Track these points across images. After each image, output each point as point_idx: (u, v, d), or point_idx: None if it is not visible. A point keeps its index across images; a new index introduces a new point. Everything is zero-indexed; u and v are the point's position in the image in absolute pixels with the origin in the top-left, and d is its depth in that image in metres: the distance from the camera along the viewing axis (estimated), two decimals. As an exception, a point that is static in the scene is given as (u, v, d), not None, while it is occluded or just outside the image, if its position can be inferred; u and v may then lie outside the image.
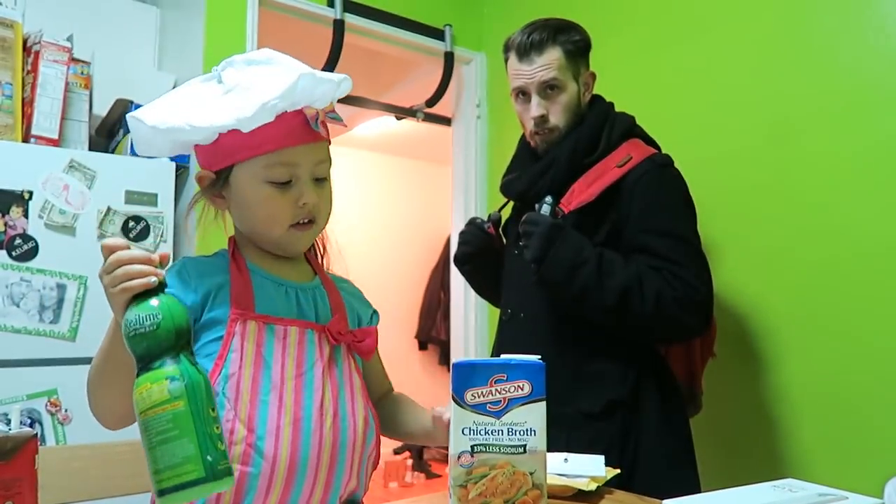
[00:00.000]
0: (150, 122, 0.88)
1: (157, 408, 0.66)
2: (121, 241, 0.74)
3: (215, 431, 0.67)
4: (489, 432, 0.81)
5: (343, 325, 0.94)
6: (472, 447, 0.81)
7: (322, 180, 0.95)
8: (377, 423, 0.96)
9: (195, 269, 0.92)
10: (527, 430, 0.80)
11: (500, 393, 0.81)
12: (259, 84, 0.88)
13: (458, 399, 0.81)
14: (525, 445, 0.80)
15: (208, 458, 0.66)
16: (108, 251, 0.73)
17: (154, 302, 0.71)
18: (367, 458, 0.94)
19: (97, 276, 0.75)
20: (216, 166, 0.92)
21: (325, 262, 1.08)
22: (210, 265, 0.94)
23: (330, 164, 0.97)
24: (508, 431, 0.80)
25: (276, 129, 0.88)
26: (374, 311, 1.08)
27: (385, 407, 1.05)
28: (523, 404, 0.81)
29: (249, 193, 0.91)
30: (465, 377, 0.82)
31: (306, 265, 1.03)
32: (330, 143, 0.98)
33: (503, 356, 0.84)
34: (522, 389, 0.81)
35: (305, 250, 1.01)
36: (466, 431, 0.81)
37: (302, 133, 0.90)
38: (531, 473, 0.80)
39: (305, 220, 0.93)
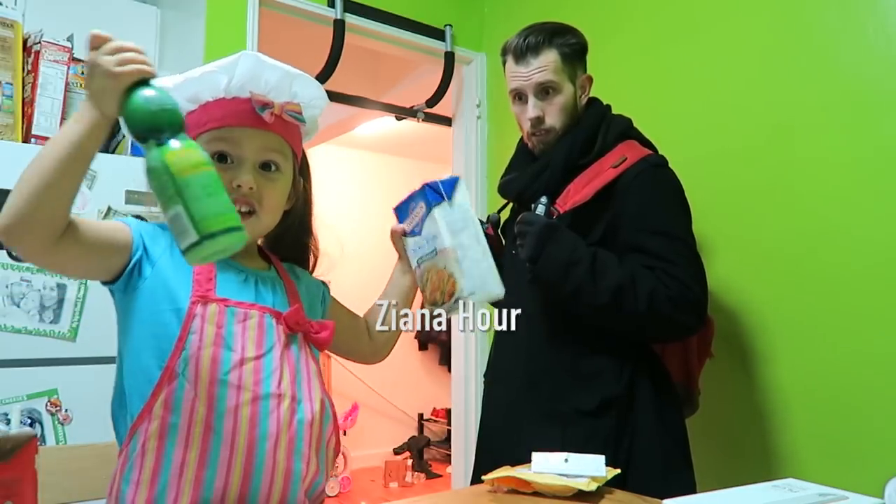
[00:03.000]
0: None
1: (201, 167, 0.73)
2: (107, 34, 0.76)
3: None
4: (419, 248, 1.07)
5: (301, 316, 0.95)
6: (417, 261, 1.09)
7: (271, 171, 0.95)
8: (333, 409, 0.97)
9: (149, 232, 0.92)
10: (433, 236, 1.03)
11: (415, 217, 1.07)
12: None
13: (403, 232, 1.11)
14: (435, 248, 1.02)
15: (236, 212, 0.76)
16: (100, 40, 0.75)
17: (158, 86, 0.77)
18: (325, 444, 0.94)
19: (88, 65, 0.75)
20: None
21: (313, 267, 1.10)
22: (166, 235, 0.92)
23: (286, 158, 0.97)
24: (427, 242, 1.04)
25: (221, 110, 0.93)
26: (326, 288, 1.10)
27: (370, 317, 1.16)
28: (426, 220, 1.04)
29: None
30: (401, 213, 1.12)
31: (261, 257, 1.03)
32: (293, 144, 0.99)
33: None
34: (422, 208, 1.04)
35: (244, 244, 0.97)
36: (410, 252, 1.11)
37: (246, 116, 0.92)
38: (444, 267, 1.01)
39: (243, 209, 0.91)
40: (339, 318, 1.08)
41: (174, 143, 0.73)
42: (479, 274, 1.00)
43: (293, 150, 0.99)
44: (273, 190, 0.95)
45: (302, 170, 1.05)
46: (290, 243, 1.07)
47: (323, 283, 1.11)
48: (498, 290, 1.01)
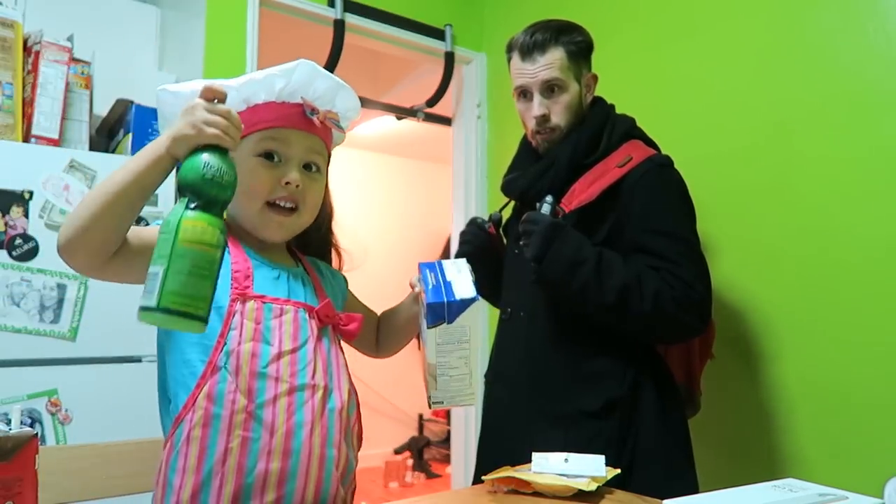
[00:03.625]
0: (172, 89, 0.97)
1: (205, 245, 0.73)
2: (224, 90, 0.83)
3: None
4: (420, 324, 1.03)
5: (331, 309, 1.01)
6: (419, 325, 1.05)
7: (314, 172, 1.02)
8: (357, 397, 1.03)
9: None
10: (424, 340, 1.00)
11: (421, 296, 1.02)
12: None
13: None
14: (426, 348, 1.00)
15: (210, 305, 0.75)
16: (211, 93, 0.81)
17: (231, 160, 0.79)
18: (351, 429, 1.00)
19: (186, 110, 0.80)
20: None
21: (340, 265, 1.17)
22: None
23: (325, 160, 1.04)
24: (422, 335, 1.02)
25: (274, 112, 0.98)
26: (344, 278, 1.17)
27: (382, 320, 1.20)
28: (422, 320, 1.01)
29: (240, 166, 0.95)
30: (421, 274, 1.05)
31: (290, 255, 1.09)
32: (329, 148, 1.06)
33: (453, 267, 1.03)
34: (423, 307, 1.00)
35: (283, 240, 1.05)
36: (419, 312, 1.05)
37: (297, 119, 0.99)
38: (425, 368, 1.01)
39: (287, 205, 0.98)
40: (357, 310, 1.13)
41: (199, 214, 0.74)
42: (454, 388, 1.01)
43: (329, 154, 1.07)
44: (314, 189, 1.02)
45: None
46: (317, 241, 1.14)
47: (343, 277, 1.17)
48: (469, 401, 1.03)
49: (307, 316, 0.97)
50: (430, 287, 0.99)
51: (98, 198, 0.81)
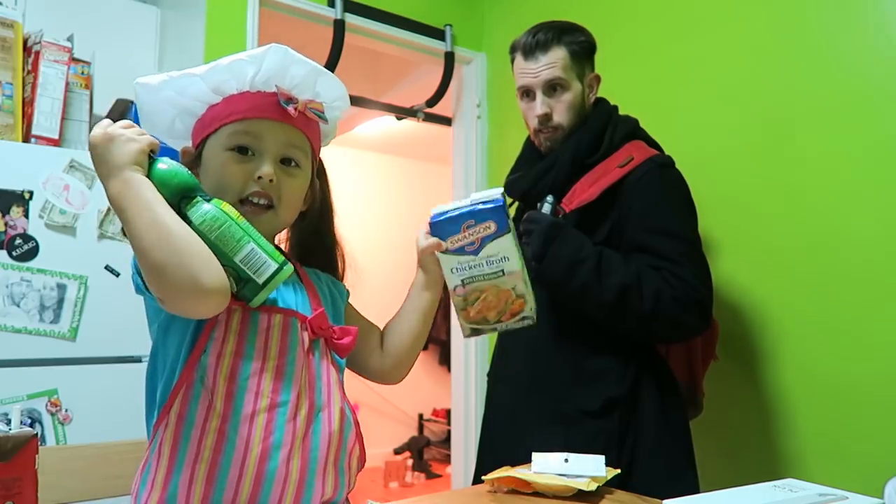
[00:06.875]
0: (143, 81, 0.93)
1: (226, 223, 0.81)
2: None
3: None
4: (472, 267, 1.02)
5: (325, 321, 0.92)
6: (462, 280, 1.04)
7: (291, 167, 0.93)
8: (355, 416, 0.94)
9: None
10: (501, 258, 1.02)
11: (472, 235, 1.01)
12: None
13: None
14: (503, 270, 1.02)
15: (276, 252, 0.84)
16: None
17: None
18: (346, 453, 0.91)
19: (95, 147, 0.81)
20: (196, 141, 0.94)
21: (344, 277, 1.08)
22: None
23: (305, 156, 0.95)
24: (487, 263, 1.02)
25: (246, 102, 0.91)
26: (346, 290, 1.07)
27: (386, 333, 1.08)
28: (493, 240, 1.01)
29: (211, 161, 0.92)
30: (443, 229, 1.03)
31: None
32: (313, 143, 0.97)
33: (471, 199, 1.03)
34: (490, 229, 1.00)
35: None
36: (454, 271, 1.03)
37: (270, 109, 0.91)
38: (513, 288, 1.04)
39: (262, 202, 0.90)
40: (353, 323, 1.03)
41: (197, 204, 0.82)
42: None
43: (313, 149, 0.98)
44: (292, 185, 0.93)
45: (319, 173, 1.03)
46: (315, 249, 1.05)
47: (345, 287, 1.07)
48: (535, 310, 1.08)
49: (298, 326, 0.90)
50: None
51: (169, 234, 0.77)
